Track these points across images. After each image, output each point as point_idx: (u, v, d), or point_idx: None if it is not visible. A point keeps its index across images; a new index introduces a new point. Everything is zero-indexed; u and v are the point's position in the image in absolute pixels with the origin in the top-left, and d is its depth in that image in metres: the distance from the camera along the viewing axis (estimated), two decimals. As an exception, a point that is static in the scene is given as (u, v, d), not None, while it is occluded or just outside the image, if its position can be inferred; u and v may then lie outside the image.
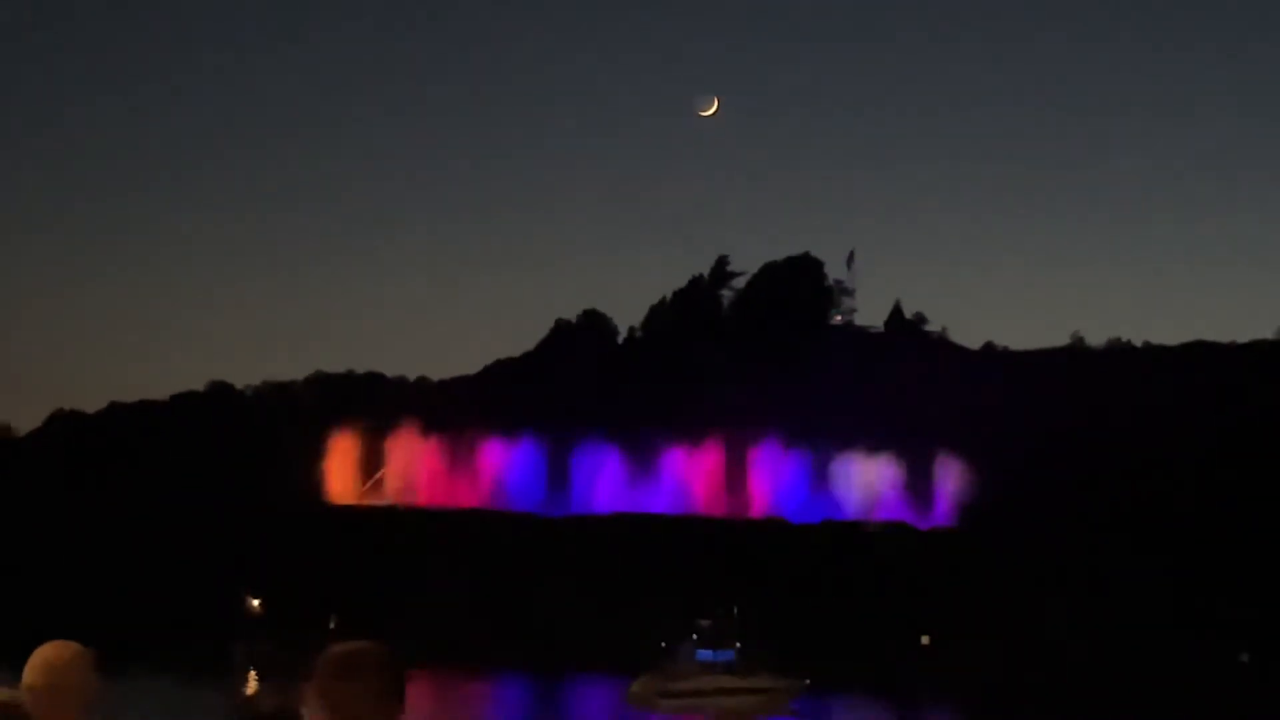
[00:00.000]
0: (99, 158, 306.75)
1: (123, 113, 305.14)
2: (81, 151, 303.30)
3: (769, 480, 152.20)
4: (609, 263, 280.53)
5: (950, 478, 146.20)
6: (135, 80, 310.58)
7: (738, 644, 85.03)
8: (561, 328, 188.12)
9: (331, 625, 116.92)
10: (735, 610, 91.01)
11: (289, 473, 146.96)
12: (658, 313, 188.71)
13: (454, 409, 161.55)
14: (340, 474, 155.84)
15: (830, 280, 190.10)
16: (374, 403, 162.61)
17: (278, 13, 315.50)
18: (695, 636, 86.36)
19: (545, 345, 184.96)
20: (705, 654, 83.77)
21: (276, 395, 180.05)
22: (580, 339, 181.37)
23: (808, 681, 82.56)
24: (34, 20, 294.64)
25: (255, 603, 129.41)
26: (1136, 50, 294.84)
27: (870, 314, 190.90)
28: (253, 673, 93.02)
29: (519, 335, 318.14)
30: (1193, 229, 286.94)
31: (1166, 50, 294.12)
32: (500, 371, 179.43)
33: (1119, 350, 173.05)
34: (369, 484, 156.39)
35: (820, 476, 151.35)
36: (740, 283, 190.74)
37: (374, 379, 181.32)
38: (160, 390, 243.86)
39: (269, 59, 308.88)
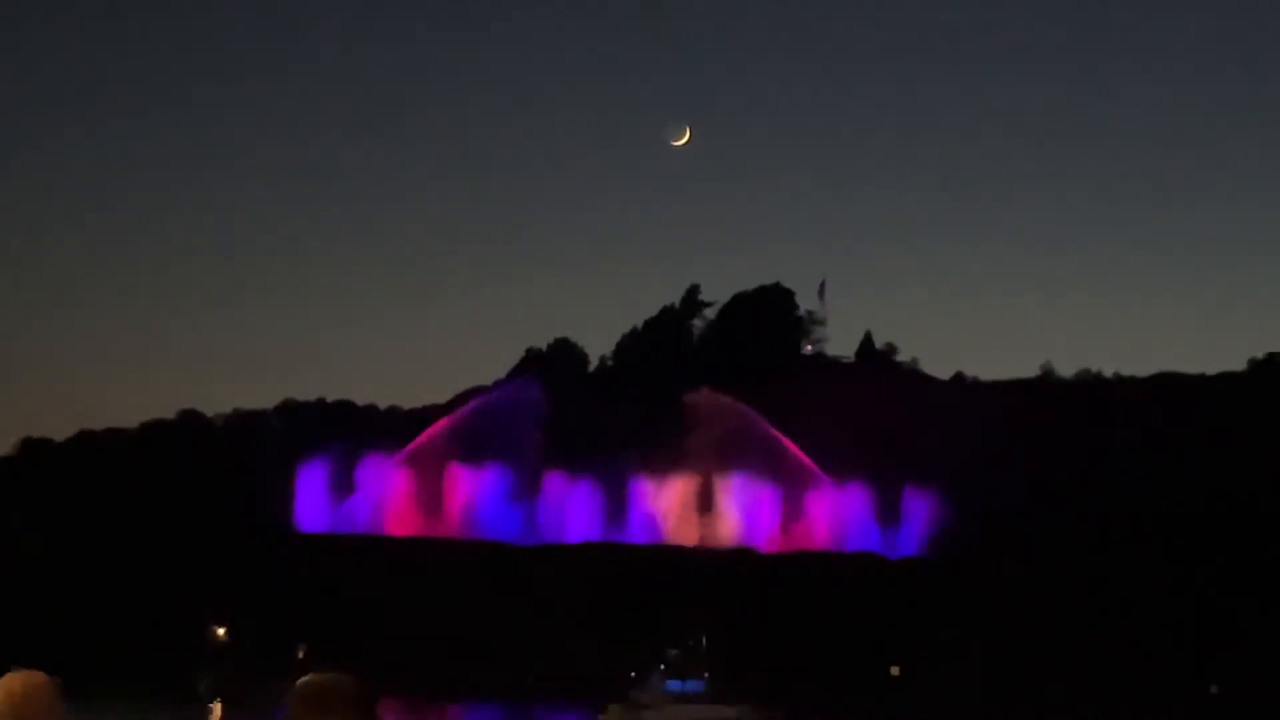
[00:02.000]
0: (67, 184, 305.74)
1: (88, 140, 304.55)
2: (48, 179, 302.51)
3: (739, 510, 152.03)
4: (580, 291, 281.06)
5: (921, 508, 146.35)
6: (103, 108, 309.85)
7: (706, 674, 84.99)
8: (532, 356, 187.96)
9: (300, 654, 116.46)
10: (704, 640, 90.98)
11: (259, 501, 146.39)
12: (629, 341, 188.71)
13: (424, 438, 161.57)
14: (311, 502, 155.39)
15: (801, 310, 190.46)
16: (345, 431, 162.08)
17: (254, 40, 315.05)
18: (663, 666, 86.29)
19: (516, 373, 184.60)
20: (674, 684, 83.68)
21: (247, 423, 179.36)
22: (551, 367, 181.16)
23: (778, 714, 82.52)
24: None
25: (220, 631, 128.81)
26: (1107, 80, 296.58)
27: (841, 344, 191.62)
28: (217, 701, 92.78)
29: (490, 363, 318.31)
30: (1163, 261, 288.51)
31: (1137, 80, 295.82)
32: (471, 400, 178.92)
33: (1089, 381, 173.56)
34: (340, 512, 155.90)
35: (791, 506, 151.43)
36: (711, 312, 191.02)
37: (345, 407, 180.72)
38: (130, 418, 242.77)
39: (239, 85, 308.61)
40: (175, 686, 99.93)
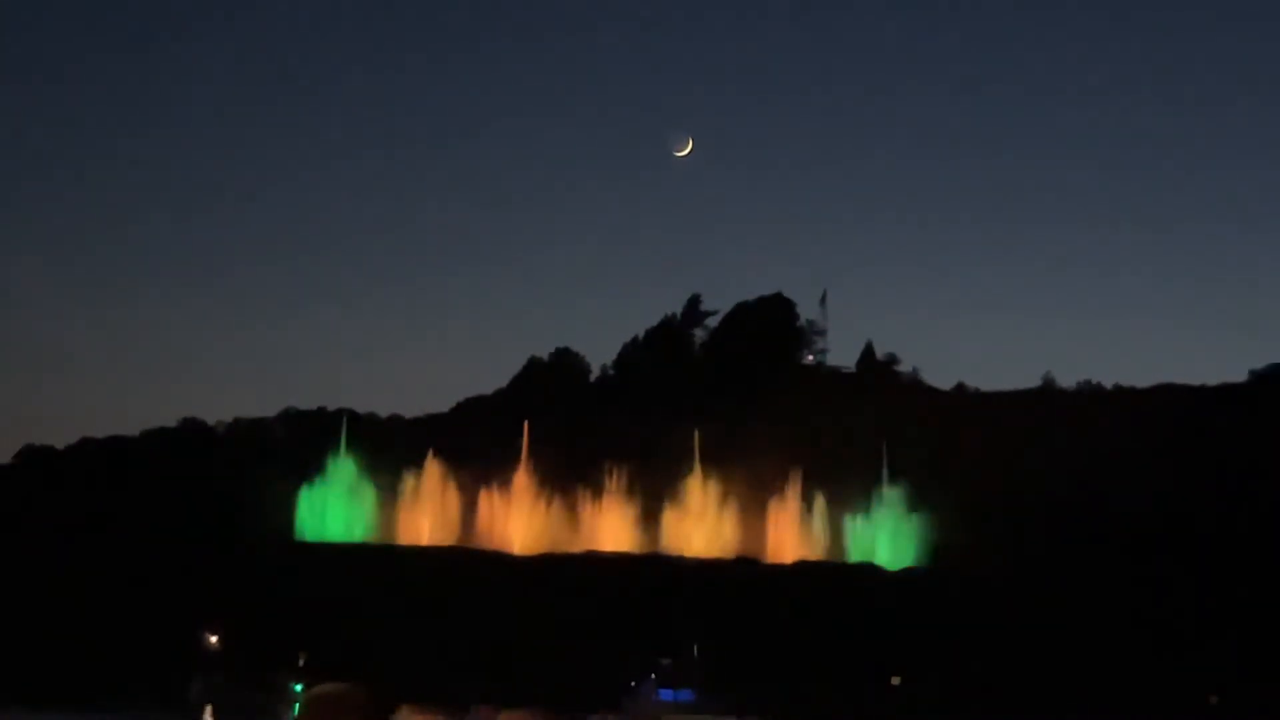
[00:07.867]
0: (68, 192, 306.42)
1: (87, 147, 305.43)
2: (49, 184, 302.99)
3: (736, 519, 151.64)
4: (582, 300, 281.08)
5: (921, 518, 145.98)
6: (104, 115, 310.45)
7: (699, 684, 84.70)
8: (534, 365, 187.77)
9: (300, 663, 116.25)
10: (695, 650, 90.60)
11: (260, 510, 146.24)
12: (630, 350, 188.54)
13: (426, 447, 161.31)
14: (312, 511, 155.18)
15: (802, 320, 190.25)
16: (346, 440, 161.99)
17: (256, 52, 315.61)
18: (654, 676, 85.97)
19: (517, 383, 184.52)
20: (666, 693, 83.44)
21: (249, 432, 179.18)
22: (552, 377, 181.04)
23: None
24: None
25: (213, 639, 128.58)
26: (1110, 92, 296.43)
27: (842, 354, 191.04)
28: (209, 709, 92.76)
29: (491, 372, 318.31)
30: (1165, 272, 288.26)
31: (1134, 94, 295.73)
32: (472, 409, 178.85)
33: (1089, 392, 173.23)
34: (341, 521, 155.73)
35: (789, 516, 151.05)
36: (713, 322, 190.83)
37: (346, 415, 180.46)
38: (132, 426, 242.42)
39: (235, 94, 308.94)
40: (167, 694, 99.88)
